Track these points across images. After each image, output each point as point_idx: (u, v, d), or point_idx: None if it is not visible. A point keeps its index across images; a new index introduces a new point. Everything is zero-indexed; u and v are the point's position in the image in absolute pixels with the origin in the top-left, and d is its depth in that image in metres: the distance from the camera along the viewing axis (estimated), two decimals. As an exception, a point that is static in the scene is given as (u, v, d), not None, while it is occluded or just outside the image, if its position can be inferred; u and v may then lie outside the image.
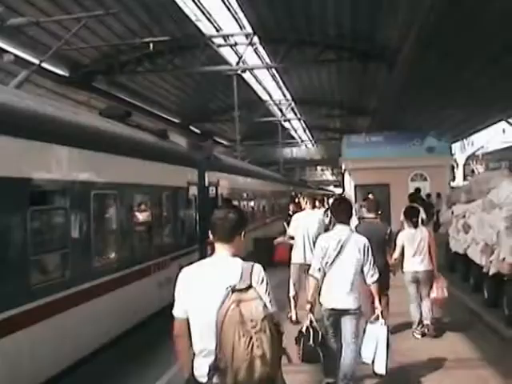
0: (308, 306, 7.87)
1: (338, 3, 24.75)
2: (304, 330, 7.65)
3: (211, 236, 5.03)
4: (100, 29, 26.32)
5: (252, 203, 28.25)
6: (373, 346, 7.90)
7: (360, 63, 31.59)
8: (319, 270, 7.93)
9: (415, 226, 11.42)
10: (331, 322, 7.97)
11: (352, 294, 7.84)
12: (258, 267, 4.68)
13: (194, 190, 17.09)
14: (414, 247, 11.25)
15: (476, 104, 31.79)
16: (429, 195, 23.03)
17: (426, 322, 11.40)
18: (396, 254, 11.12)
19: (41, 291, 8.46)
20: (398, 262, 11.28)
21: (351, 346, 7.85)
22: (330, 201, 36.02)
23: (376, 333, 7.94)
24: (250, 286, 4.45)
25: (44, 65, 22.89)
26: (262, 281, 4.61)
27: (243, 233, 4.96)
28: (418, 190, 23.24)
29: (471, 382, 8.97)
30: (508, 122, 45.96)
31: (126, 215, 12.00)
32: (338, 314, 7.88)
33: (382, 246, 10.44)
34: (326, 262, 7.90)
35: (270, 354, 4.21)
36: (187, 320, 4.74)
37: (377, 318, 8.02)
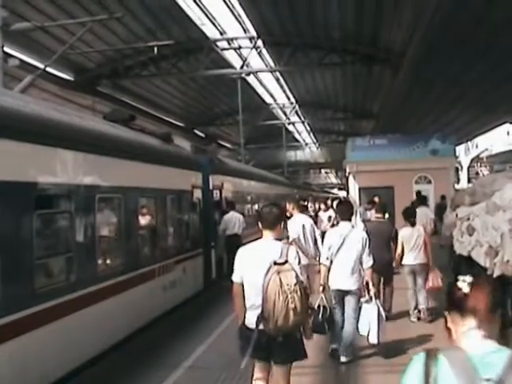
0: (321, 288, 9.45)
1: (341, 7, 24.81)
2: (316, 306, 8.78)
3: (260, 225, 6.79)
4: (104, 33, 26.40)
5: (256, 206, 28.26)
6: (367, 321, 9.39)
7: (364, 66, 31.64)
8: (327, 258, 9.52)
9: (412, 224, 12.83)
10: (337, 299, 9.55)
11: (353, 278, 9.43)
12: (292, 248, 6.59)
13: (198, 194, 17.13)
14: (411, 243, 12.56)
15: (480, 106, 31.87)
16: (425, 198, 22.91)
17: (422, 307, 12.57)
18: (398, 250, 12.50)
19: (45, 295, 8.50)
20: (399, 257, 12.54)
21: (351, 319, 9.44)
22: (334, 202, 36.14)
23: (369, 310, 9.43)
24: (286, 261, 6.25)
25: (49, 69, 23.00)
26: (295, 258, 6.38)
27: (282, 223, 6.91)
28: (418, 193, 23.26)
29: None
30: (512, 124, 46.03)
31: (130, 219, 12.02)
32: (342, 294, 9.47)
33: (388, 243, 12.38)
34: (332, 253, 9.47)
35: (300, 308, 6.08)
36: (242, 284, 6.57)
37: (370, 299, 9.50)
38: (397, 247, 12.54)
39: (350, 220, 9.92)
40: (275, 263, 6.19)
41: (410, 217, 12.95)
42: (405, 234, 12.70)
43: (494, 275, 12.67)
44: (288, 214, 14.28)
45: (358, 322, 9.43)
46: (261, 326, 6.22)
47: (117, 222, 11.57)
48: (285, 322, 6.06)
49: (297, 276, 6.16)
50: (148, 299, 12.60)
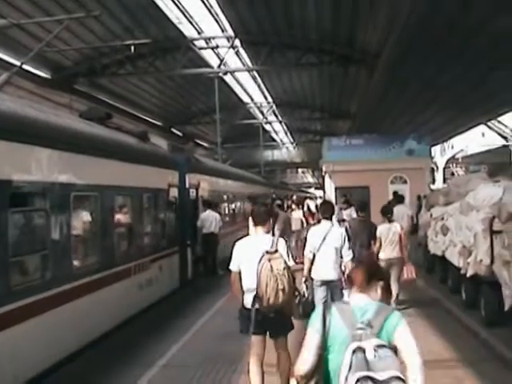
0: (303, 279, 10.43)
1: (318, 7, 24.89)
2: (301, 292, 9.46)
3: (252, 221, 8.32)
4: (81, 31, 26.24)
5: (233, 205, 28.30)
6: None
7: (341, 67, 31.77)
8: (310, 252, 10.63)
9: (389, 221, 13.93)
10: (321, 289, 10.54)
11: (334, 269, 10.59)
12: (281, 240, 7.99)
13: (174, 192, 17.13)
14: (388, 239, 13.64)
15: (456, 108, 32.11)
16: (402, 196, 23.12)
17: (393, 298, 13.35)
18: (377, 245, 13.56)
19: (20, 293, 8.47)
20: (377, 251, 13.53)
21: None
22: (309, 201, 36.22)
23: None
24: (276, 250, 7.63)
25: (25, 67, 22.85)
26: (283, 248, 7.80)
27: (271, 219, 8.43)
28: (395, 193, 23.43)
29: (447, 382, 9.07)
30: (487, 126, 46.35)
31: (106, 217, 12.01)
32: (325, 283, 10.41)
33: (369, 238, 13.55)
34: (315, 247, 10.59)
35: (288, 288, 7.50)
36: (239, 272, 7.89)
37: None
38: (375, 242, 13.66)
39: (330, 219, 11.15)
40: (267, 252, 7.57)
41: (387, 214, 14.07)
42: (382, 229, 13.74)
43: (468, 274, 12.84)
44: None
45: None
46: (256, 306, 7.56)
47: (92, 220, 11.55)
48: (275, 300, 7.44)
49: (285, 262, 7.58)
50: (124, 297, 12.60)
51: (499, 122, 45.70)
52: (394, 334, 4.02)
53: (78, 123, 12.09)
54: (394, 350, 3.91)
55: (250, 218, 8.50)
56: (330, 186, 28.62)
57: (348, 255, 10.50)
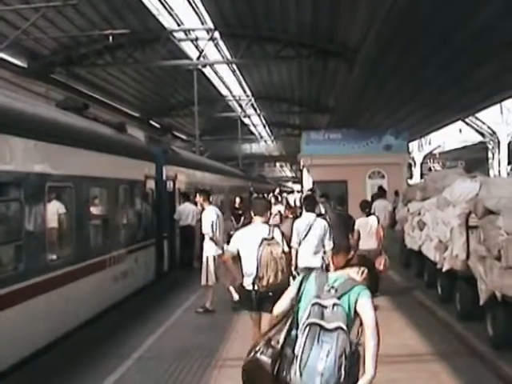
0: (293, 267, 11.10)
1: (299, 0, 24.84)
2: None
3: (252, 212, 9.38)
4: (59, 19, 25.94)
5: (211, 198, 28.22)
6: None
7: (320, 61, 31.74)
8: (296, 243, 11.43)
9: (367, 215, 14.97)
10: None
11: (316, 257, 11.35)
12: (276, 229, 9.00)
13: (151, 184, 17.03)
14: (366, 231, 14.47)
15: (434, 103, 32.20)
16: (384, 191, 23.31)
17: None
18: (355, 237, 13.86)
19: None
20: (355, 242, 13.56)
21: None
22: (288, 196, 36.15)
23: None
24: (272, 237, 8.62)
25: (1, 55, 22.59)
26: (278, 235, 8.76)
27: (269, 211, 9.56)
28: (380, 187, 23.59)
29: (422, 376, 9.11)
30: (465, 122, 46.60)
31: (81, 208, 11.89)
32: (308, 270, 9.98)
33: (347, 231, 12.78)
34: (300, 238, 11.47)
35: (286, 269, 8.62)
36: (234, 254, 8.91)
37: None
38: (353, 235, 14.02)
39: (313, 211, 12.28)
40: (265, 239, 8.55)
41: (365, 208, 15.16)
42: (361, 222, 14.60)
43: (444, 269, 12.89)
44: (199, 207, 14.72)
45: None
46: (255, 287, 8.49)
47: (68, 211, 11.42)
48: (275, 279, 8.36)
49: (282, 247, 8.65)
50: (99, 289, 12.51)
51: (476, 118, 45.97)
52: (357, 302, 4.74)
53: (54, 113, 11.97)
54: (357, 314, 4.75)
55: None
56: (307, 180, 28.67)
57: (329, 245, 10.67)
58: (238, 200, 30.10)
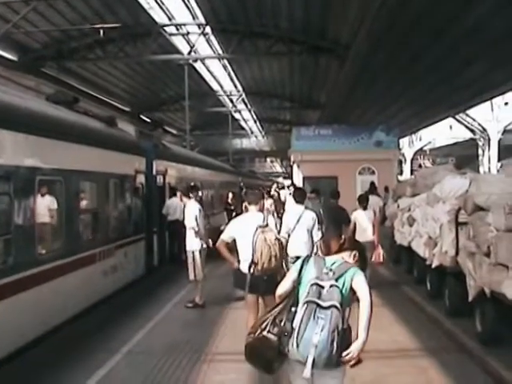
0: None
1: (290, -4, 24.85)
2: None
3: (247, 201, 10.43)
4: (50, 13, 25.85)
5: (200, 193, 28.17)
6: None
7: (311, 57, 31.73)
8: (286, 233, 11.95)
9: (364, 208, 15.31)
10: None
11: (306, 247, 11.89)
12: (270, 217, 10.01)
13: (141, 179, 17.00)
14: (362, 224, 14.89)
15: (424, 100, 32.25)
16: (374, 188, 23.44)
17: None
18: (351, 227, 13.38)
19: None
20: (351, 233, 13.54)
21: None
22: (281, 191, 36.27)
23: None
24: (267, 225, 9.31)
25: (-9, 48, 22.48)
26: (273, 223, 9.89)
27: (262, 200, 10.39)
28: (372, 183, 23.67)
29: (411, 372, 9.13)
30: (455, 119, 46.67)
31: (71, 202, 11.86)
32: (297, 259, 10.80)
33: (340, 224, 13.26)
34: (289, 228, 12.02)
35: (279, 255, 9.11)
36: (227, 242, 9.68)
37: None
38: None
39: (302, 203, 12.82)
40: (260, 226, 9.18)
41: (362, 202, 15.52)
42: (357, 215, 14.95)
43: (433, 265, 12.93)
44: (182, 202, 14.70)
45: None
46: (251, 271, 9.09)
47: (58, 205, 11.38)
48: (269, 264, 8.99)
49: (275, 235, 9.34)
50: (89, 283, 12.48)
51: (467, 115, 46.02)
52: (353, 280, 5.33)
53: (44, 106, 11.92)
54: (353, 292, 5.33)
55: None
56: (298, 175, 28.69)
57: (318, 235, 11.83)
58: (230, 195, 30.17)
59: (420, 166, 70.12)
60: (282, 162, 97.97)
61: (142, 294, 15.31)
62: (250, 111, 59.92)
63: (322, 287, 5.28)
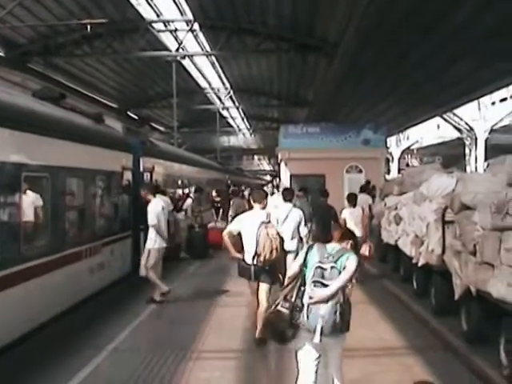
0: None
1: (279, -7, 24.85)
2: None
3: (251, 200, 11.41)
4: (37, 8, 25.76)
5: (187, 190, 28.12)
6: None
7: (299, 54, 31.74)
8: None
9: (354, 206, 16.56)
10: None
11: (293, 242, 12.96)
12: (271, 214, 11.00)
13: (128, 176, 16.91)
14: (352, 220, 15.86)
15: (412, 99, 32.34)
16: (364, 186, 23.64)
17: None
18: (341, 223, 15.46)
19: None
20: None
21: None
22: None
23: None
24: (269, 221, 10.55)
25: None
26: (274, 220, 10.90)
27: (266, 199, 11.22)
28: (368, 182, 23.83)
29: (396, 370, 9.14)
30: (443, 118, 46.80)
31: (57, 199, 11.77)
32: (285, 253, 11.83)
33: (330, 220, 15.66)
34: (279, 225, 12.11)
35: (279, 248, 10.31)
36: (233, 234, 10.82)
37: None
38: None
39: (291, 201, 13.87)
40: (263, 222, 10.43)
41: (352, 200, 16.76)
42: (347, 212, 16.28)
43: (419, 264, 12.96)
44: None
45: None
46: (254, 262, 10.42)
47: (44, 201, 11.31)
48: (270, 256, 10.22)
49: (276, 230, 10.58)
50: (74, 281, 12.41)
51: (454, 114, 46.14)
52: (347, 260, 6.62)
53: (30, 102, 11.84)
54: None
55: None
56: (285, 173, 28.66)
57: (303, 231, 13.21)
58: (214, 193, 30.07)
59: (407, 164, 70.22)
60: (270, 159, 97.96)
61: (129, 291, 15.26)
62: (237, 109, 59.97)
63: (325, 269, 6.59)
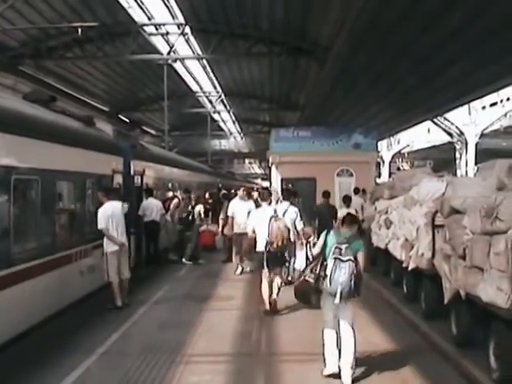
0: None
1: (271, -3, 24.86)
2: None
3: (260, 199, 14.95)
4: (28, 11, 25.69)
5: (178, 193, 28.11)
6: (301, 261, 12.82)
7: (291, 58, 31.75)
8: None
9: (348, 206, 19.05)
10: None
11: (290, 234, 13.86)
12: (280, 209, 13.81)
13: (118, 179, 16.88)
14: None
15: (403, 103, 32.40)
16: (357, 190, 23.83)
17: None
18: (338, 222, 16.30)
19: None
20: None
21: (293, 259, 13.84)
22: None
23: (302, 254, 13.18)
24: (277, 215, 13.23)
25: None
26: (282, 214, 13.64)
27: (270, 198, 14.17)
28: (356, 188, 24.02)
29: (385, 373, 9.16)
30: (434, 122, 46.91)
31: (47, 202, 11.73)
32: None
33: (331, 217, 17.95)
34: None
35: (287, 238, 13.04)
36: (255, 229, 13.36)
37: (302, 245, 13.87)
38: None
39: (289, 200, 15.44)
40: (273, 217, 13.05)
41: (346, 201, 19.68)
42: (342, 212, 16.34)
43: (409, 268, 12.98)
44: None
45: (294, 263, 13.82)
46: (267, 248, 12.85)
47: (33, 204, 11.28)
48: (281, 244, 12.84)
49: (284, 222, 13.14)
50: (65, 284, 12.37)
51: (445, 118, 46.21)
52: (357, 253, 8.79)
53: (20, 105, 11.81)
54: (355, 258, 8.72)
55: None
56: (276, 177, 28.70)
57: (299, 225, 14.51)
58: (207, 195, 30.09)
59: (398, 168, 70.48)
60: (261, 163, 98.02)
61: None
62: (229, 112, 59.92)
63: (341, 249, 8.70)
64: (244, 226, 16.56)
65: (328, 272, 8.63)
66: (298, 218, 14.57)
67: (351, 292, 8.60)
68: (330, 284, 8.59)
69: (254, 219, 13.71)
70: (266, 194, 14.28)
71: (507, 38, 18.68)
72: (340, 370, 8.83)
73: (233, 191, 30.40)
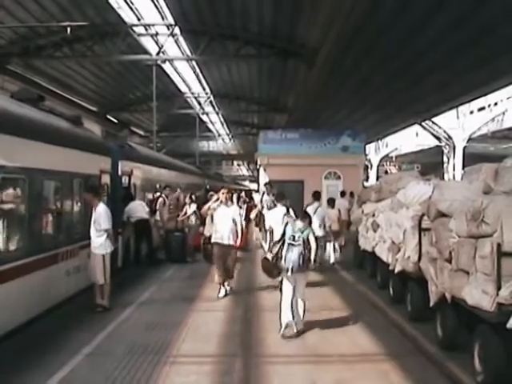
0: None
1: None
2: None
3: (274, 199, 16.39)
4: (17, 9, 25.61)
5: (163, 193, 28.07)
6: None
7: (280, 60, 31.78)
8: (270, 226, 14.86)
9: (332, 207, 21.05)
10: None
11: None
12: (291, 210, 15.23)
13: (106, 179, 16.85)
14: (331, 218, 19.79)
15: (391, 106, 32.51)
16: (344, 193, 24.06)
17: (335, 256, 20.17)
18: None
19: None
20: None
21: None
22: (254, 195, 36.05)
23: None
24: (289, 214, 14.65)
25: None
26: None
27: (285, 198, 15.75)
28: (343, 192, 24.27)
29: (372, 376, 9.18)
30: (422, 126, 47.12)
31: (34, 201, 11.69)
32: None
33: (324, 217, 18.69)
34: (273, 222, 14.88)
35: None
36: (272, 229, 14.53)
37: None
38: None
39: (281, 202, 15.69)
40: (285, 215, 14.29)
41: (330, 203, 21.35)
42: (327, 212, 19.74)
43: (396, 270, 13.02)
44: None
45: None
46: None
47: (20, 204, 11.24)
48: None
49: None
50: (51, 284, 12.34)
51: (433, 122, 46.46)
52: (308, 236, 11.44)
53: (7, 103, 11.77)
54: (307, 241, 11.43)
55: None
56: (264, 179, 28.72)
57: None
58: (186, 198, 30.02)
59: (386, 172, 70.57)
60: (249, 165, 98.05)
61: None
62: (217, 114, 59.87)
63: (295, 236, 11.38)
64: (228, 235, 15.41)
65: (283, 253, 11.34)
66: (285, 217, 14.80)
67: (300, 267, 11.30)
68: (285, 261, 11.31)
69: (270, 219, 15.20)
70: (279, 196, 15.75)
71: (494, 43, 18.81)
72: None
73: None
